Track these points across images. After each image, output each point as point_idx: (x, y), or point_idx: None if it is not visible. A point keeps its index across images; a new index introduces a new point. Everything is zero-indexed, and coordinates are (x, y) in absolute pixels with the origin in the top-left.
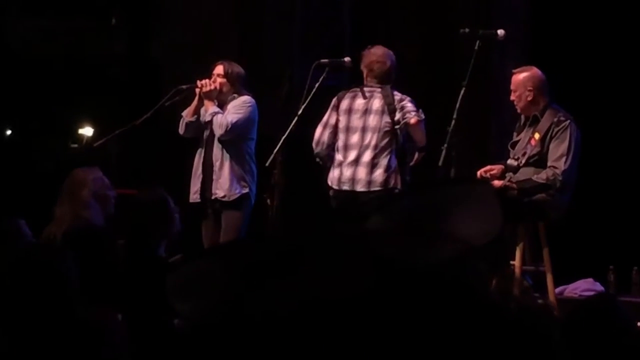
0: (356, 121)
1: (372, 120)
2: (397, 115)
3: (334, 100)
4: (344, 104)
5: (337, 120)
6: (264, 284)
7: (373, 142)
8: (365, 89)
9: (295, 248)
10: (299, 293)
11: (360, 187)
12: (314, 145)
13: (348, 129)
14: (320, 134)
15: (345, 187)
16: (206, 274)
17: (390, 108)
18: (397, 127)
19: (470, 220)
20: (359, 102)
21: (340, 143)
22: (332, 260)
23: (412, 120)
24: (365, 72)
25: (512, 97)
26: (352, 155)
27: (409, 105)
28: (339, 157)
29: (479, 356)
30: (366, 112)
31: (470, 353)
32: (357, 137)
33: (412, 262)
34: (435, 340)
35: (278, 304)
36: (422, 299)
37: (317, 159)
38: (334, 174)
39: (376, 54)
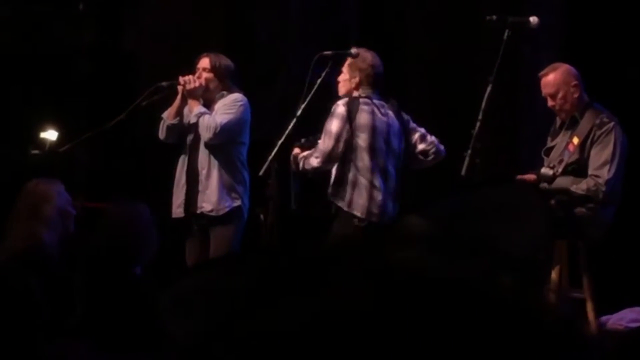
0: (381, 143)
1: (395, 143)
2: (420, 144)
3: (342, 110)
4: (363, 119)
5: (353, 136)
6: (271, 299)
7: (395, 169)
8: (375, 101)
9: (306, 261)
10: (312, 306)
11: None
12: (324, 159)
13: (373, 150)
14: (335, 147)
15: (374, 219)
16: (204, 291)
17: (405, 130)
18: (428, 158)
19: (512, 227)
20: (380, 118)
21: (361, 164)
22: (347, 272)
23: (443, 152)
24: (358, 77)
25: (552, 103)
26: (378, 181)
27: (423, 129)
28: (363, 180)
29: None
30: (389, 133)
31: None
32: (382, 160)
33: (439, 274)
34: (461, 357)
35: (288, 320)
36: (447, 314)
37: (311, 175)
38: (361, 200)
39: (370, 57)
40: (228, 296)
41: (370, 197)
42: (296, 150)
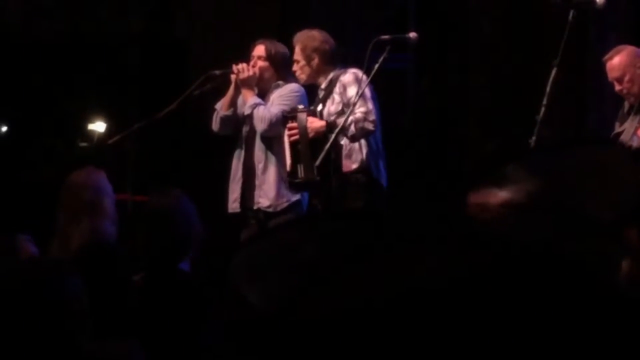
0: None
1: None
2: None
3: (362, 75)
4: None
5: None
6: (352, 269)
7: None
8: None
9: (395, 228)
10: (402, 278)
11: None
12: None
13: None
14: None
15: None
16: (282, 255)
17: None
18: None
19: (604, 189)
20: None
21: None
22: (439, 245)
23: None
24: (317, 59)
25: (619, 87)
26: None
27: None
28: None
29: (596, 346)
30: None
31: (588, 343)
32: None
33: (531, 243)
34: (547, 327)
35: (372, 291)
36: (537, 282)
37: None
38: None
39: (318, 34)
40: (308, 262)
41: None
42: (316, 120)
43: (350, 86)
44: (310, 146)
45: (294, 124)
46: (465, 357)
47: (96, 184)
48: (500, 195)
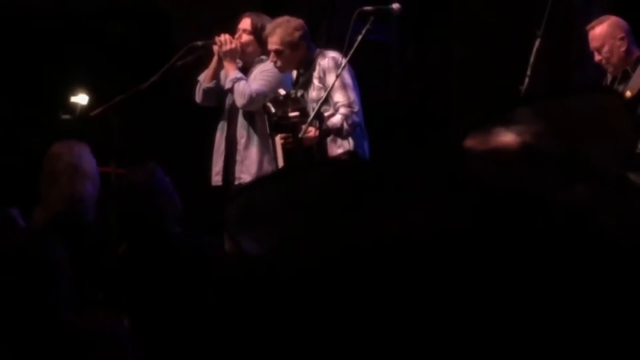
0: None
1: None
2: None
3: (348, 65)
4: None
5: None
6: (347, 213)
7: None
8: None
9: (385, 173)
10: (394, 224)
11: None
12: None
13: None
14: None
15: None
16: (279, 200)
17: None
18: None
19: (597, 137)
20: None
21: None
22: (434, 187)
23: None
24: (309, 41)
25: (599, 57)
26: None
27: None
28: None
29: (589, 292)
30: None
31: (582, 289)
32: None
33: (527, 190)
34: (539, 274)
35: (366, 237)
36: (528, 229)
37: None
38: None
39: (293, 21)
40: (305, 206)
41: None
42: (310, 130)
43: (330, 72)
44: (304, 155)
45: (289, 135)
46: (452, 311)
47: (77, 151)
48: (507, 134)
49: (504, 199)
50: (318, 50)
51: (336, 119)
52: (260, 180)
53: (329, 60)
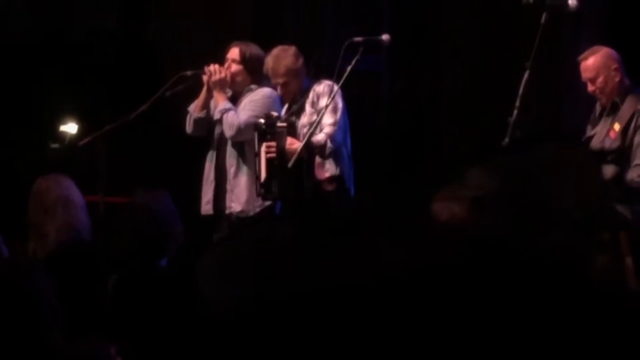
0: None
1: None
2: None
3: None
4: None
5: None
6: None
7: None
8: None
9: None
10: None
11: None
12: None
13: None
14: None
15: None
16: (243, 256)
17: None
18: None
19: (567, 186)
20: None
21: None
22: (400, 229)
23: None
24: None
25: (593, 88)
26: None
27: None
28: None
29: (576, 338)
30: None
31: (559, 334)
32: None
33: (506, 240)
34: (523, 318)
35: (333, 278)
36: (512, 276)
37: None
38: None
39: (291, 51)
40: (274, 254)
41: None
42: (295, 142)
43: (323, 97)
44: (286, 165)
45: (273, 143)
46: (424, 348)
47: (64, 182)
48: (464, 194)
49: (479, 245)
50: (312, 78)
51: (320, 137)
52: (234, 233)
53: (324, 85)
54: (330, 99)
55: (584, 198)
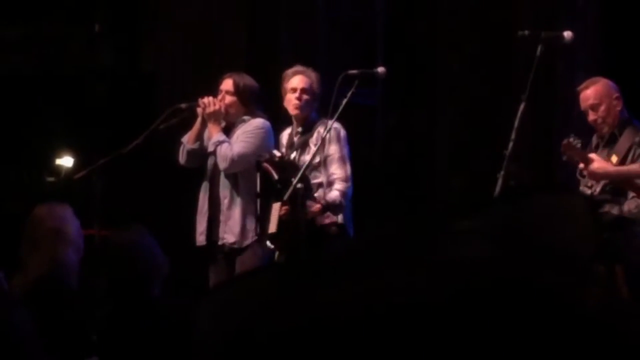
0: None
1: None
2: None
3: (344, 134)
4: None
5: None
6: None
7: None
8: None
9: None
10: (367, 298)
11: None
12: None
13: None
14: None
15: None
16: (243, 300)
17: None
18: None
19: (561, 236)
20: None
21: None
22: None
23: None
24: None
25: (594, 116)
26: None
27: None
28: None
29: None
30: None
31: None
32: None
33: (504, 274)
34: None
35: (332, 311)
36: (511, 311)
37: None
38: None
39: (300, 75)
40: (265, 295)
41: None
42: (313, 205)
43: (332, 144)
44: (301, 231)
45: (289, 208)
46: None
47: (59, 214)
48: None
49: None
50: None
51: (334, 195)
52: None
53: (332, 131)
54: (339, 147)
55: (581, 246)
